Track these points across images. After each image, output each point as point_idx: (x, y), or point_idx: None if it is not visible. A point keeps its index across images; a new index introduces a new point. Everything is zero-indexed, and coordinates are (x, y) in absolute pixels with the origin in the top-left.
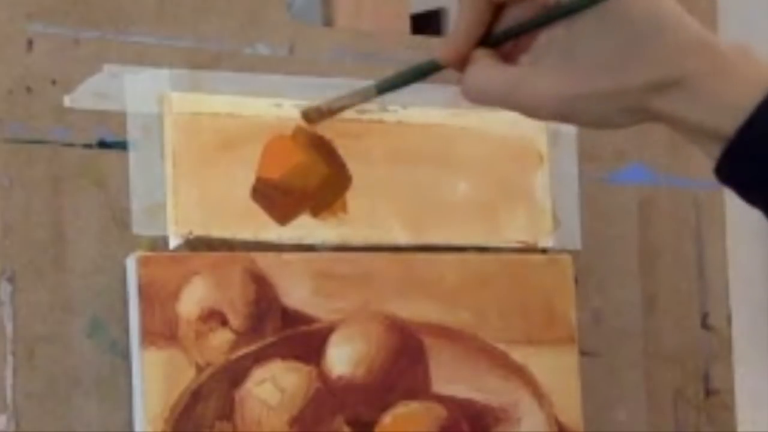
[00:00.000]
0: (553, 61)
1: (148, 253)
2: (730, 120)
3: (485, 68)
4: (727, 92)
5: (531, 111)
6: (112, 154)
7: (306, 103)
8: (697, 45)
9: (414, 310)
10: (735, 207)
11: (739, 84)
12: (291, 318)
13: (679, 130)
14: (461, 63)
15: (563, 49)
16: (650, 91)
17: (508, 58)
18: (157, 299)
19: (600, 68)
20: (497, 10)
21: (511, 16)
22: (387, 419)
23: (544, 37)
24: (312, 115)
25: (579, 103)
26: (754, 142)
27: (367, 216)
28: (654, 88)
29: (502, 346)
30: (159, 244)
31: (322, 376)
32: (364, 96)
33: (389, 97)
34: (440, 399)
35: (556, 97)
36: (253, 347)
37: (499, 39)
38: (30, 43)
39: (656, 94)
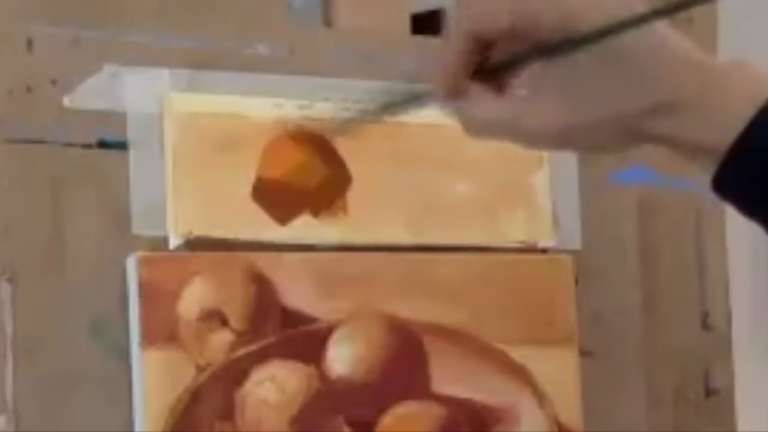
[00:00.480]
0: (549, 92)
1: (148, 253)
2: (724, 135)
3: (482, 102)
4: (721, 108)
5: (531, 142)
6: (112, 154)
7: (306, 103)
8: (691, 66)
9: (414, 310)
10: None
11: (733, 99)
12: (291, 318)
13: (676, 151)
14: (452, 96)
15: (559, 80)
16: (647, 115)
17: (502, 90)
18: (157, 299)
19: (597, 97)
20: (486, 46)
21: (503, 50)
22: (387, 419)
23: (539, 68)
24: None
25: (578, 131)
26: (749, 156)
27: (367, 216)
28: (650, 113)
29: (502, 346)
30: (159, 244)
31: (322, 376)
32: (375, 114)
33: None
34: (440, 399)
35: (556, 128)
36: (253, 347)
37: (493, 70)
38: (30, 43)
39: (652, 118)
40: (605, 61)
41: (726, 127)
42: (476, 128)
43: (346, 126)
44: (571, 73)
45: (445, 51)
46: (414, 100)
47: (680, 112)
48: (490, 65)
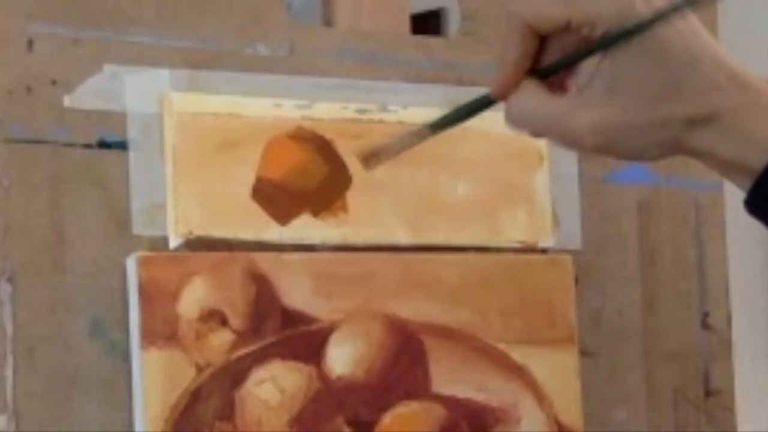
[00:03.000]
0: (596, 92)
1: (148, 253)
2: (760, 154)
3: (530, 97)
4: (759, 126)
5: (574, 141)
6: (112, 154)
7: (305, 103)
8: (731, 80)
9: (414, 310)
10: (735, 207)
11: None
12: (291, 318)
13: (712, 165)
14: (507, 90)
15: (607, 81)
16: (688, 125)
17: (552, 87)
18: (157, 299)
19: (641, 100)
20: (542, 41)
21: (556, 47)
22: (387, 419)
23: (588, 69)
24: (370, 160)
25: (621, 133)
26: None
27: (368, 216)
28: (690, 123)
29: (502, 346)
30: (159, 244)
31: (322, 376)
32: (420, 136)
33: (389, 97)
34: (440, 399)
35: (600, 128)
36: (253, 347)
37: (545, 72)
38: (30, 43)
39: (691, 129)
40: (650, 64)
41: (762, 145)
42: (521, 121)
43: (374, 156)
44: (621, 74)
45: (501, 46)
46: (470, 107)
47: (718, 125)
48: (547, 66)
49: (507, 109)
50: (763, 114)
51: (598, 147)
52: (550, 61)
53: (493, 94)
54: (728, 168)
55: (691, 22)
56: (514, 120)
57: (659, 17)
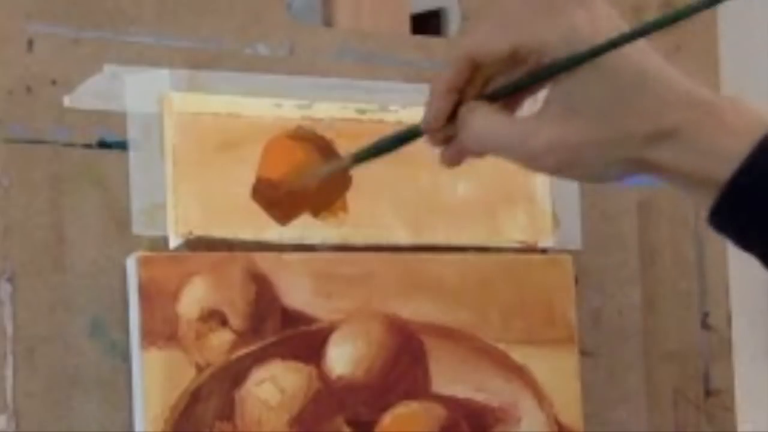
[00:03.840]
0: (553, 113)
1: (148, 253)
2: (722, 169)
3: (487, 118)
4: (719, 142)
5: (532, 161)
6: (112, 154)
7: (305, 103)
8: (686, 98)
9: (414, 310)
10: None
11: (730, 133)
12: (291, 318)
13: (674, 181)
14: (440, 124)
15: (562, 102)
16: (646, 141)
17: (508, 108)
18: (157, 299)
19: (597, 119)
20: (476, 71)
21: (504, 75)
22: (387, 419)
23: (545, 91)
24: (294, 182)
25: (579, 152)
26: (747, 189)
27: (368, 216)
28: (649, 139)
29: (502, 346)
30: (159, 244)
31: (322, 376)
32: (343, 165)
33: (389, 97)
34: (440, 399)
35: (557, 147)
36: (253, 347)
37: (494, 95)
38: (30, 43)
39: (651, 145)
40: (604, 84)
41: (724, 159)
42: (481, 143)
43: (335, 169)
44: (575, 95)
45: (434, 78)
46: (395, 139)
47: (678, 141)
48: (495, 90)
49: (463, 134)
50: (720, 125)
51: (558, 166)
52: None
53: (423, 126)
54: (691, 182)
55: (639, 44)
56: (473, 142)
57: (609, 46)
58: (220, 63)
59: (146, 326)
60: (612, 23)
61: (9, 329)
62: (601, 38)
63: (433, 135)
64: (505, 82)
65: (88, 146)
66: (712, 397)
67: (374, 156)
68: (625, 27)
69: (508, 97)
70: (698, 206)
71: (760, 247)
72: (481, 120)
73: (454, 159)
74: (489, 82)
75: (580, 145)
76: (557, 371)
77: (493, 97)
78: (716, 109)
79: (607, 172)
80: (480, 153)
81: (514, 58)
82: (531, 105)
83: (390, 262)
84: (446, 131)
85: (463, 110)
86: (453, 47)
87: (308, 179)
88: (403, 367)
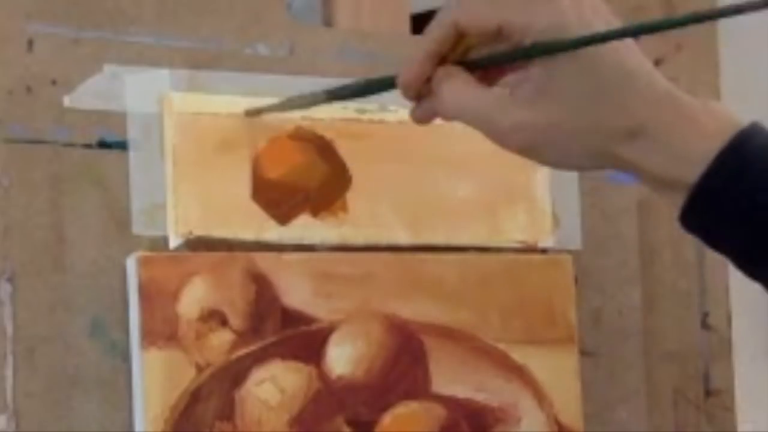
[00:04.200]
0: (526, 93)
1: (148, 253)
2: (692, 169)
3: (463, 86)
4: (689, 142)
5: (502, 137)
6: (112, 154)
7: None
8: (661, 96)
9: (414, 310)
10: None
11: (700, 134)
12: (291, 318)
13: (643, 179)
14: (418, 86)
15: (537, 84)
16: (616, 137)
17: (484, 80)
18: (157, 299)
19: (569, 107)
20: (460, 38)
21: (483, 49)
22: (387, 419)
23: (521, 69)
24: (254, 113)
25: (545, 137)
26: (716, 190)
27: (368, 216)
28: (619, 135)
29: (502, 346)
30: (159, 244)
31: (322, 376)
32: (315, 101)
33: (389, 96)
34: (440, 399)
35: (524, 127)
36: (253, 347)
37: (472, 64)
38: (30, 43)
39: (621, 141)
40: (582, 74)
41: (694, 160)
42: (453, 110)
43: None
44: (551, 80)
45: (424, 37)
46: (370, 84)
47: (648, 139)
48: (474, 59)
49: (436, 97)
50: (693, 129)
51: (522, 147)
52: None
53: (400, 80)
54: (659, 183)
55: (625, 40)
56: (446, 107)
57: (593, 40)
58: (220, 63)
59: (146, 326)
60: (600, 17)
61: (9, 329)
62: (586, 30)
63: (407, 90)
64: (484, 55)
65: (88, 146)
66: (712, 397)
67: (347, 97)
68: (615, 23)
69: (485, 70)
70: (670, 206)
71: (728, 247)
72: (455, 87)
73: (423, 117)
74: (469, 51)
75: (547, 129)
76: (557, 371)
77: (471, 66)
78: (689, 111)
79: (578, 161)
80: (449, 118)
81: (498, 33)
82: (504, 85)
83: (390, 262)
84: (420, 89)
85: (440, 73)
86: (441, 13)
87: (274, 110)
88: (403, 367)
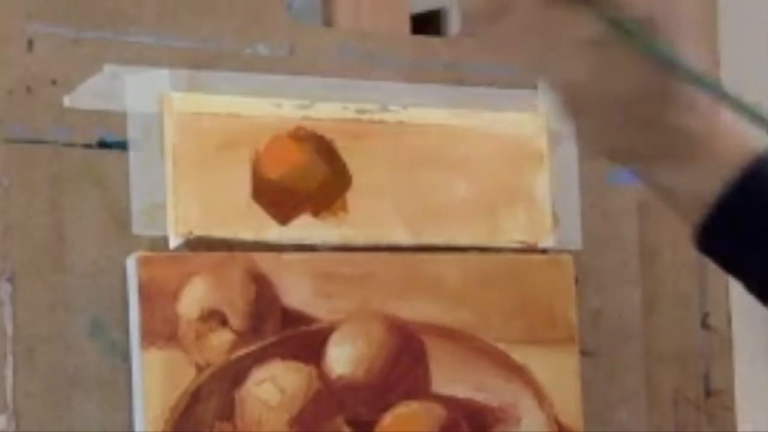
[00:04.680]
0: (595, 60)
1: (148, 253)
2: (709, 192)
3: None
4: (709, 165)
5: (552, 85)
6: (112, 154)
7: (305, 103)
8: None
9: (414, 310)
10: None
11: (719, 157)
12: (291, 318)
13: (665, 199)
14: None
15: (613, 61)
16: (641, 157)
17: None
18: (157, 299)
19: (619, 106)
20: None
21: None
22: (387, 419)
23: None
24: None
25: (583, 109)
26: (733, 213)
27: (368, 216)
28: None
29: (502, 346)
30: (159, 244)
31: (322, 376)
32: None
33: (389, 97)
34: (440, 399)
35: (570, 88)
36: (253, 347)
37: None
38: (30, 43)
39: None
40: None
41: (711, 185)
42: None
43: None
44: (622, 67)
45: None
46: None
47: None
48: None
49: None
50: (711, 152)
51: (564, 103)
52: None
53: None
54: (680, 204)
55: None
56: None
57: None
58: (220, 63)
59: (146, 326)
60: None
61: (9, 329)
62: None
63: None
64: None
65: (88, 146)
66: (712, 397)
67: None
68: None
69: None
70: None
71: (742, 271)
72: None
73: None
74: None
75: (584, 102)
76: (557, 371)
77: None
78: (709, 133)
79: (606, 133)
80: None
81: None
82: None
83: (390, 262)
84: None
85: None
86: None
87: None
88: (403, 367)
